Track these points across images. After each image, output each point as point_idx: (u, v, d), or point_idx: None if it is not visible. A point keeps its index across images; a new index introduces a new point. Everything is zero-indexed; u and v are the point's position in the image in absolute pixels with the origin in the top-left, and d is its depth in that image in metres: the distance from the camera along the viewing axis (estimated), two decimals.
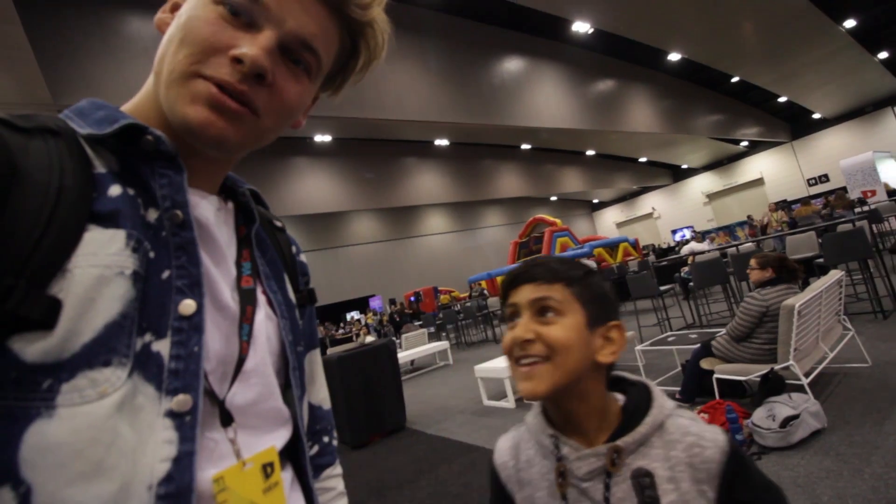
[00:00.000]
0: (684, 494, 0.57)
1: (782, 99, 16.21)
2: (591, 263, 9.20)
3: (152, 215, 0.44)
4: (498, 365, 4.69)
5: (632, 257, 14.18)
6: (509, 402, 4.53)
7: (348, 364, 4.37)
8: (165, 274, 0.43)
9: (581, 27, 10.58)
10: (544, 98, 12.15)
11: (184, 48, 0.44)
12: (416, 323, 11.52)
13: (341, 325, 16.62)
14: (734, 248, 7.03)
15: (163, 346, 0.41)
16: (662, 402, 0.64)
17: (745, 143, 20.87)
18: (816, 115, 18.07)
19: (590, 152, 20.22)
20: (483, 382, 4.90)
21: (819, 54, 12.39)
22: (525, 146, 18.26)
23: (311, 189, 14.27)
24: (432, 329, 10.85)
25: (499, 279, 14.91)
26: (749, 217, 15.35)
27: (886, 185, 12.84)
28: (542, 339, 0.62)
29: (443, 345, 7.99)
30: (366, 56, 0.55)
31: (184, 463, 0.40)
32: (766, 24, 10.74)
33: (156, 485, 0.38)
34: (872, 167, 13.15)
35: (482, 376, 4.85)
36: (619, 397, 0.67)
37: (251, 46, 0.44)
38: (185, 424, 0.41)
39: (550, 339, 0.62)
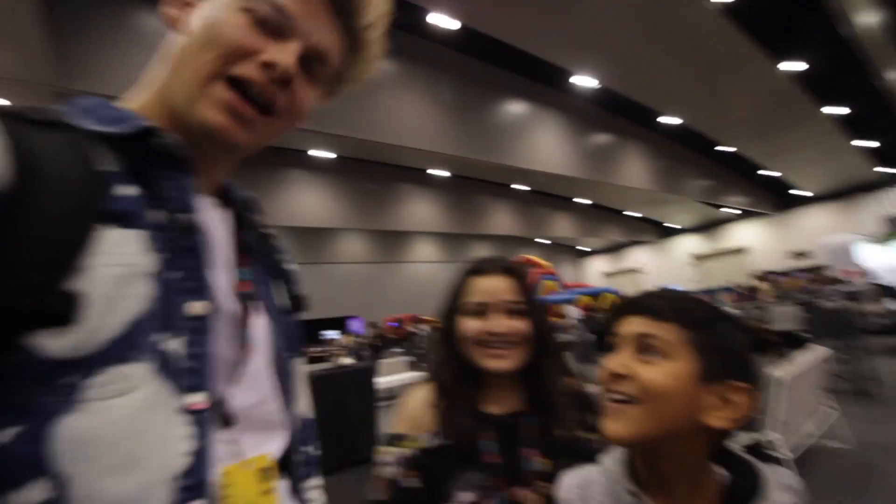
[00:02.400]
0: None
1: (771, 172, 16.86)
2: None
3: (159, 216, 0.43)
4: None
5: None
6: None
7: (324, 385, 4.19)
8: (174, 275, 0.43)
9: (583, 81, 10.97)
10: (543, 143, 12.46)
11: (211, 50, 0.44)
12: (398, 350, 11.22)
13: (319, 343, 16.15)
14: None
15: (176, 345, 0.42)
16: (779, 499, 0.54)
17: (733, 211, 21.52)
18: (801, 192, 18.80)
19: (581, 200, 20.61)
20: None
21: (801, 135, 12.98)
22: (519, 187, 18.55)
23: (301, 202, 14.16)
24: (414, 358, 10.58)
25: None
26: (733, 283, 15.60)
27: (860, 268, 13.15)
28: (635, 378, 0.56)
29: (423, 375, 7.75)
30: (359, 70, 0.58)
31: (201, 458, 0.41)
32: (758, 100, 11.29)
33: (179, 477, 0.40)
34: (851, 249, 13.60)
35: None
36: (721, 472, 0.59)
37: (283, 54, 0.46)
38: (199, 421, 0.42)
39: (644, 380, 0.55)
